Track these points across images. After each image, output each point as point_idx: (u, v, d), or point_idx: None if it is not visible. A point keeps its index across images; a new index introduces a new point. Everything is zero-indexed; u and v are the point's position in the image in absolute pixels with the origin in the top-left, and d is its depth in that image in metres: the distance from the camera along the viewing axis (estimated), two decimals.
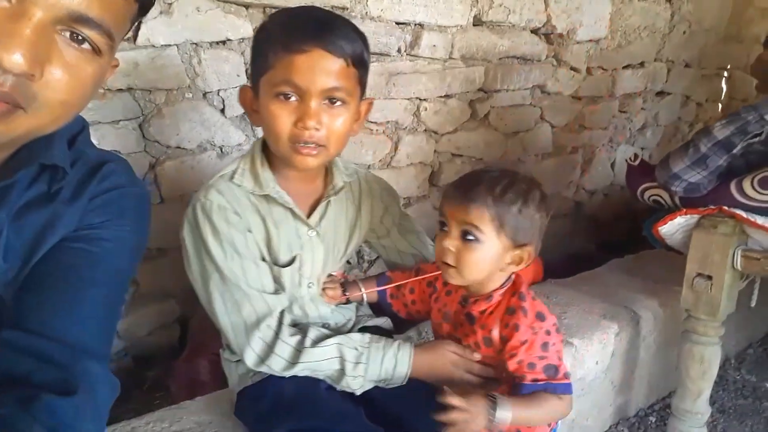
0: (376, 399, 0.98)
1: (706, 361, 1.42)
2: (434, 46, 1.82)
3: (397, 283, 1.11)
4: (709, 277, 1.38)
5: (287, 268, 0.96)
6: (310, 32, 0.83)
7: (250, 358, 0.91)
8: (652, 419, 1.72)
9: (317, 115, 0.85)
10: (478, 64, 1.96)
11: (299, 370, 0.91)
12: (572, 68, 2.23)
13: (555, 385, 0.89)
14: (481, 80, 1.99)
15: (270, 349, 0.90)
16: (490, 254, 0.90)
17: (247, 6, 1.46)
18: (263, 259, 0.96)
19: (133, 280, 1.52)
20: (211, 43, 1.43)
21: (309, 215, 0.99)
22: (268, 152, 0.96)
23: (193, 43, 1.40)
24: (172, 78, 1.40)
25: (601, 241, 2.58)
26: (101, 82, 0.62)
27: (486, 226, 0.88)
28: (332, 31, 0.84)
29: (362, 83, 0.92)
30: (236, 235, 0.91)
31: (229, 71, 1.48)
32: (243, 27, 1.46)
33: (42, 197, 0.68)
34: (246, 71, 1.51)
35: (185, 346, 1.59)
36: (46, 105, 0.56)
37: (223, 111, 1.51)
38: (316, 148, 0.88)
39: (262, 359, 0.91)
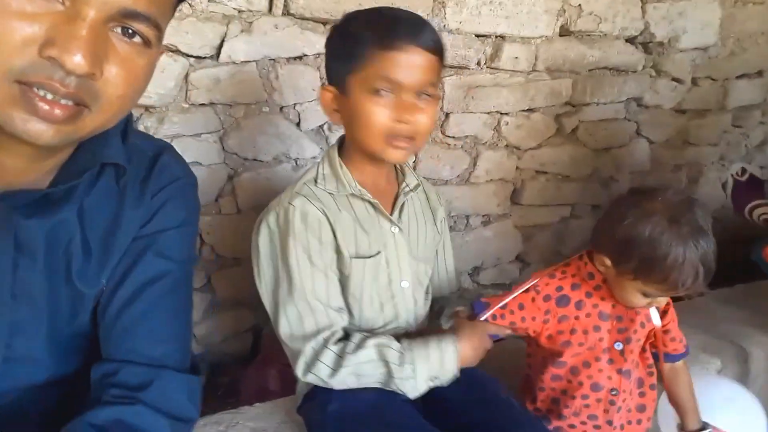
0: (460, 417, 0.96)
1: None
2: (516, 58, 1.76)
3: (502, 303, 1.03)
4: None
5: (370, 259, 0.96)
6: (405, 31, 0.87)
7: (300, 368, 0.91)
8: None
9: (413, 109, 0.88)
10: (564, 76, 1.86)
11: (345, 376, 0.90)
12: (674, 79, 2.05)
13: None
14: (569, 93, 1.89)
15: (316, 356, 0.90)
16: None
17: (324, 23, 1.49)
18: (340, 264, 0.95)
19: (209, 288, 1.58)
20: (287, 59, 1.48)
21: (390, 213, 1.00)
22: (342, 154, 0.98)
23: (271, 59, 1.46)
24: (250, 93, 1.46)
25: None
26: (152, 72, 0.64)
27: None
28: (425, 28, 0.89)
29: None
30: (313, 243, 0.92)
31: (304, 86, 1.51)
32: (318, 43, 1.49)
33: (106, 195, 0.71)
34: (321, 84, 1.54)
35: (257, 354, 1.62)
36: (108, 102, 0.59)
37: (298, 125, 1.55)
38: (408, 142, 0.90)
39: (309, 367, 0.90)
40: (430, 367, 0.91)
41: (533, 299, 1.02)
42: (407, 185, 1.02)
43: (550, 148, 1.94)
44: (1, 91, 0.54)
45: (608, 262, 0.95)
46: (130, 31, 0.58)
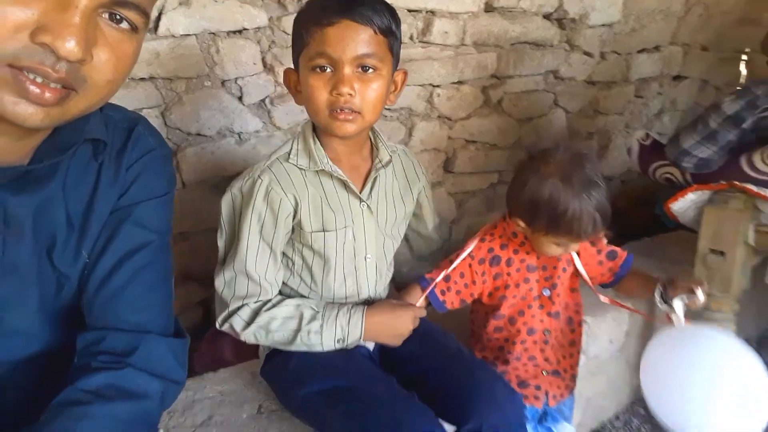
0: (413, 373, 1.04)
1: None
2: (446, 32, 1.85)
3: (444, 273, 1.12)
4: (722, 253, 1.38)
5: (333, 232, 1.01)
6: (337, 6, 0.90)
7: (220, 317, 1.00)
8: None
9: (350, 81, 0.90)
10: (490, 50, 1.98)
11: (255, 329, 0.97)
12: (585, 53, 2.24)
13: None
14: (494, 66, 2.01)
15: (236, 311, 0.98)
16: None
17: None
18: (303, 237, 1.00)
19: None
20: (228, 33, 1.48)
21: (360, 190, 1.04)
22: (317, 132, 1.01)
23: (211, 33, 1.46)
24: (191, 67, 1.46)
25: (618, 229, 2.57)
26: (138, 56, 0.65)
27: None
28: (358, 3, 0.90)
29: (393, 53, 0.97)
30: (269, 218, 0.97)
31: (245, 60, 1.52)
32: (259, 16, 1.51)
33: (85, 169, 0.72)
34: (262, 60, 1.56)
35: (208, 327, 1.65)
36: (95, 86, 0.60)
37: (240, 98, 1.56)
38: (351, 114, 0.93)
39: (227, 319, 0.99)
40: (335, 329, 0.98)
41: (470, 265, 1.13)
42: (380, 161, 1.04)
43: (479, 118, 2.06)
44: None
45: (522, 223, 1.07)
46: (117, 16, 0.59)
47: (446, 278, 1.14)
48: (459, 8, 1.85)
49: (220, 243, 1.02)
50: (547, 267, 1.15)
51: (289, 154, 1.00)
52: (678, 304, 1.06)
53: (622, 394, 1.66)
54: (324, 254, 1.02)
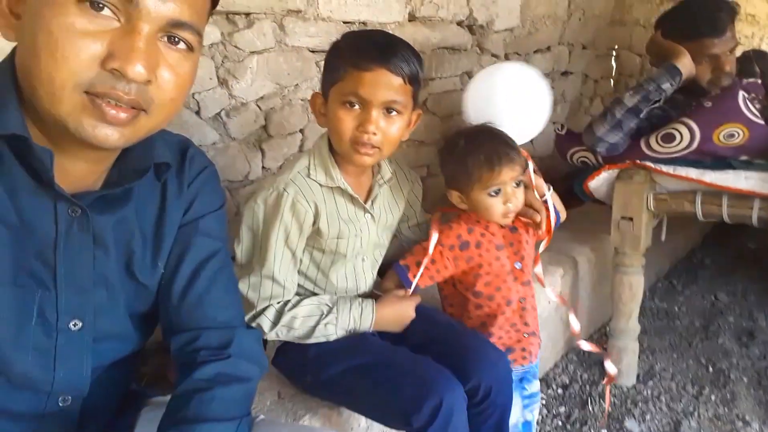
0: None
1: (634, 286, 1.74)
2: None
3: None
4: (631, 219, 1.69)
5: (344, 240, 1.13)
6: (375, 54, 1.00)
7: (247, 318, 1.06)
8: None
9: (376, 122, 1.02)
10: None
11: (279, 328, 1.08)
12: (493, 55, 2.51)
13: None
14: None
15: (262, 312, 1.08)
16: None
17: (211, 13, 1.56)
18: (319, 243, 1.12)
19: None
20: None
21: (365, 201, 1.16)
22: (332, 150, 1.11)
23: None
24: None
25: None
26: (195, 75, 0.71)
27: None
28: (394, 53, 1.01)
29: (415, 97, 1.10)
30: (294, 228, 1.07)
31: (202, 75, 1.57)
32: (212, 33, 1.56)
33: (151, 189, 0.78)
34: (216, 74, 1.62)
35: None
36: (161, 105, 0.67)
37: (198, 113, 1.61)
38: (372, 149, 1.05)
39: (253, 319, 1.08)
40: (349, 320, 1.11)
41: (441, 252, 1.25)
42: (381, 177, 1.18)
43: None
44: (72, 102, 0.61)
45: (456, 194, 1.23)
46: (175, 39, 0.66)
47: (418, 263, 1.25)
48: (387, 19, 2.02)
49: (238, 250, 1.09)
50: (514, 243, 1.30)
51: (308, 170, 1.10)
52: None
53: (558, 347, 1.93)
54: (334, 255, 1.14)
